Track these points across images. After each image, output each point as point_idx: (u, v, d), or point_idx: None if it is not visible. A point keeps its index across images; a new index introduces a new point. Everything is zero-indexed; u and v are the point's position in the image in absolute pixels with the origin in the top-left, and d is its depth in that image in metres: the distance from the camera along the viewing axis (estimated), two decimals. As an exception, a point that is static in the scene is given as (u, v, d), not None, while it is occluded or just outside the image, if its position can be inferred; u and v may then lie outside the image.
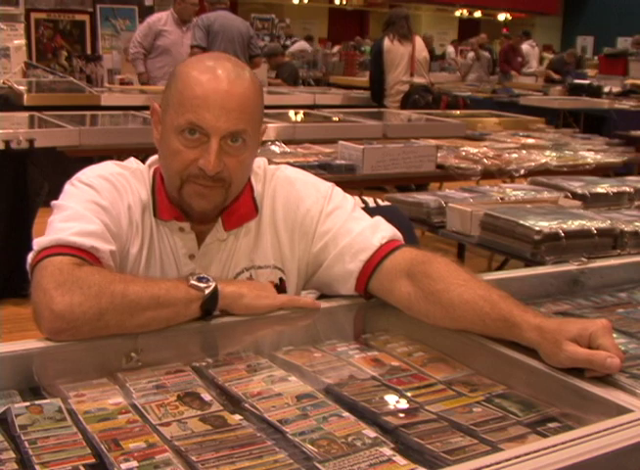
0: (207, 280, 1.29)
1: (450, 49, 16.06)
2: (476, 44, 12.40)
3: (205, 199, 1.36)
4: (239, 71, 1.35)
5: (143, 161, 1.49)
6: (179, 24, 6.34)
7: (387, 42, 6.21)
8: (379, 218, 1.49)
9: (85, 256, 1.26)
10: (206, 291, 1.27)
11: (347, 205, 1.49)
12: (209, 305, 1.28)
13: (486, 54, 12.38)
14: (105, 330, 1.20)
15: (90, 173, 1.40)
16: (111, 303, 1.19)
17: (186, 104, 1.31)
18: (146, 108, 4.88)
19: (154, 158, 1.46)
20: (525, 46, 12.65)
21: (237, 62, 1.40)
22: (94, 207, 1.33)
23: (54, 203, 1.36)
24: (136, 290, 1.22)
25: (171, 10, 6.45)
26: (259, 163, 1.51)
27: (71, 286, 1.18)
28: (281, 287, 1.47)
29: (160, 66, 6.31)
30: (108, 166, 1.43)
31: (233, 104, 1.31)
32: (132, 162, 1.48)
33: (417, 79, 6.24)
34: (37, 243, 1.27)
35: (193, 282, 1.27)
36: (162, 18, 6.44)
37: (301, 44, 12.84)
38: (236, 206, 1.44)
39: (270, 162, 1.59)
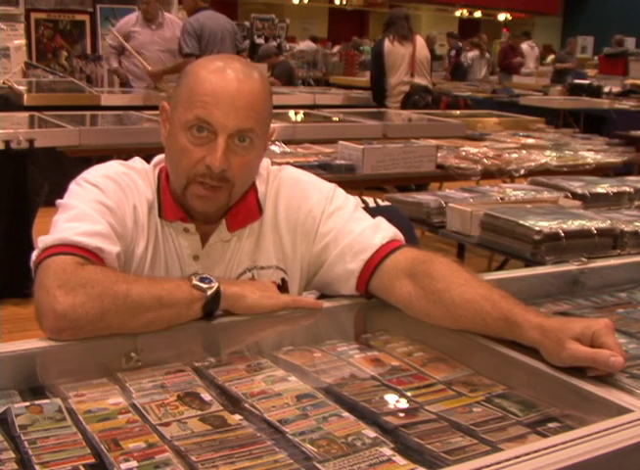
0: (210, 281, 1.29)
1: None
2: (484, 44, 12.43)
3: (207, 202, 1.36)
4: (248, 71, 1.36)
5: (145, 160, 1.49)
6: (147, 24, 6.22)
7: (387, 44, 6.16)
8: (380, 219, 1.49)
9: (89, 255, 1.25)
10: (209, 292, 1.27)
11: (349, 205, 1.49)
12: (212, 306, 1.28)
13: (487, 54, 12.42)
14: (106, 330, 1.20)
15: (95, 173, 1.40)
16: (113, 303, 1.19)
17: (195, 100, 1.32)
18: (146, 108, 4.88)
19: (159, 157, 1.46)
20: (524, 46, 12.66)
21: (246, 62, 1.42)
22: (99, 207, 1.33)
23: (59, 202, 1.36)
24: (139, 291, 1.22)
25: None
26: (263, 164, 1.51)
27: (75, 286, 1.17)
28: (283, 287, 1.47)
29: (134, 66, 6.25)
30: (113, 166, 1.43)
31: (242, 102, 1.32)
32: (137, 161, 1.47)
33: (417, 80, 6.22)
34: (42, 241, 1.27)
35: (195, 283, 1.27)
36: (132, 19, 6.33)
37: (307, 44, 13.32)
38: (240, 207, 1.44)
39: (271, 162, 1.59)
